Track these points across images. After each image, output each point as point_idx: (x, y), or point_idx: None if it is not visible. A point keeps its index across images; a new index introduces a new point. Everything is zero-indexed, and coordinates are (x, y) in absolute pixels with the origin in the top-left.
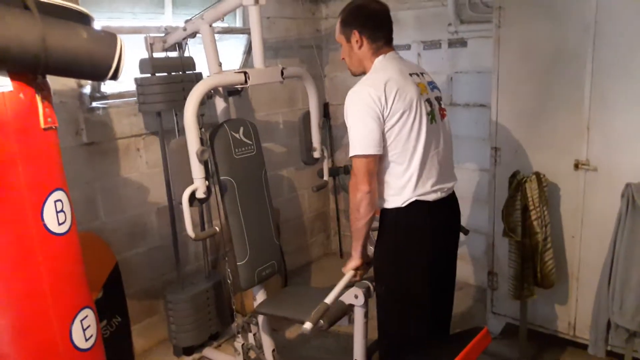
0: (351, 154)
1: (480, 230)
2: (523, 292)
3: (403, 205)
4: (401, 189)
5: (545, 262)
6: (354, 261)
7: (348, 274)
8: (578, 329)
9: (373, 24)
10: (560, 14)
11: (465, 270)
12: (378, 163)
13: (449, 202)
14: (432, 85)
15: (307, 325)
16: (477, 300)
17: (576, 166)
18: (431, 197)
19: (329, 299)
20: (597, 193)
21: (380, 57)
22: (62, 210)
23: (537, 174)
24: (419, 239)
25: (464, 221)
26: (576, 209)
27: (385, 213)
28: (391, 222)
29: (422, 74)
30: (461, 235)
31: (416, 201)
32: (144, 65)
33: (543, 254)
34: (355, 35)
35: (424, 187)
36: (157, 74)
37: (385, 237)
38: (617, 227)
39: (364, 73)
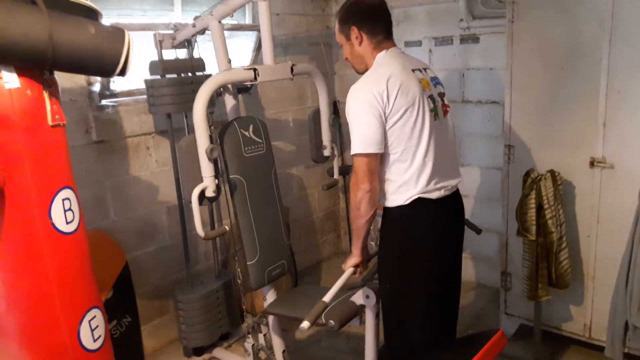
0: (353, 152)
1: (493, 230)
2: (537, 293)
3: (406, 203)
4: (404, 186)
5: (560, 262)
6: (354, 258)
7: (348, 271)
8: (594, 331)
9: (371, 18)
10: (574, 7)
11: (478, 271)
12: (379, 161)
13: (453, 200)
14: (435, 81)
15: (305, 324)
16: (490, 300)
17: (592, 164)
18: (434, 195)
19: (327, 297)
20: (614, 191)
21: (383, 53)
22: (70, 209)
23: (552, 172)
24: (422, 237)
25: (476, 220)
26: (592, 207)
27: (388, 211)
28: (394, 220)
29: (425, 69)
30: (474, 234)
31: (419, 199)
32: (153, 66)
33: (558, 253)
34: (355, 32)
35: (428, 185)
36: (167, 76)
37: (388, 236)
38: (635, 226)
39: (367, 70)
